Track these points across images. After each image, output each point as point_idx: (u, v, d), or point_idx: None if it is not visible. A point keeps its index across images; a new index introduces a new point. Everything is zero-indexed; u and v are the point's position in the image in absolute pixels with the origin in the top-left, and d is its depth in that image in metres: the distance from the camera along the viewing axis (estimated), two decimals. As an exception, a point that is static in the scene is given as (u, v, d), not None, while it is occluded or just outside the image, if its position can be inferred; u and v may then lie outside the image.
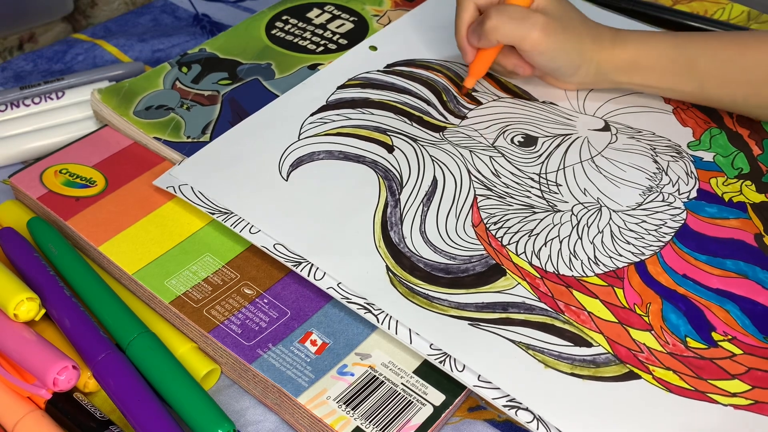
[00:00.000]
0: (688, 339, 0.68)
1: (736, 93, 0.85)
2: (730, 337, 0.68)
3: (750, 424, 0.63)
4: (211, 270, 0.73)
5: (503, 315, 0.69)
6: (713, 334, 0.68)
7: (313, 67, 0.94)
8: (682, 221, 0.77)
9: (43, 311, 0.67)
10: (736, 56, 0.83)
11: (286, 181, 0.79)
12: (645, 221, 0.77)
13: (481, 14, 0.86)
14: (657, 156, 0.84)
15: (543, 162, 0.83)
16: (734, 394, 0.65)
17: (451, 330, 0.67)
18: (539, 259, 0.73)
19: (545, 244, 0.74)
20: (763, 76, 0.83)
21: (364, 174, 0.80)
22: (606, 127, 0.87)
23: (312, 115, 0.86)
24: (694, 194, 0.80)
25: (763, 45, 0.83)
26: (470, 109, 0.88)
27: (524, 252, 0.74)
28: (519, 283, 0.71)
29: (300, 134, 0.84)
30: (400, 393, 0.65)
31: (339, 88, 0.90)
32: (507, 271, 0.72)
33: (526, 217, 0.77)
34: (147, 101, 0.88)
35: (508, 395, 0.63)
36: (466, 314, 0.69)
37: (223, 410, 0.63)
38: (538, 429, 0.62)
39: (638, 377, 0.65)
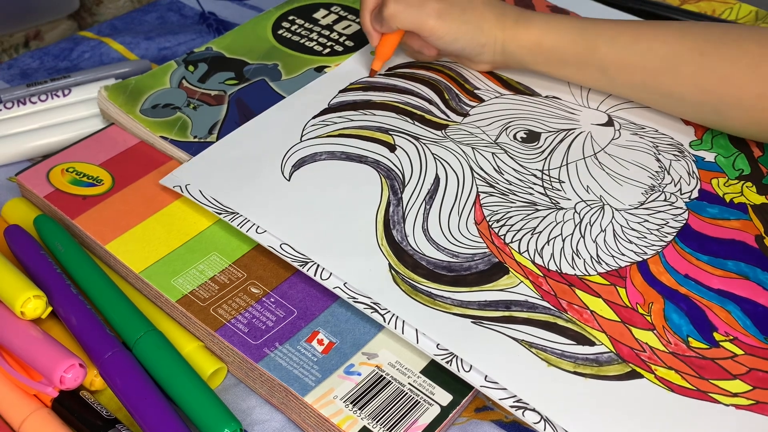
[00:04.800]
0: (690, 339, 0.68)
1: (634, 79, 0.86)
2: (731, 337, 0.69)
3: (751, 425, 0.63)
4: (217, 269, 0.73)
5: (506, 313, 0.69)
6: (715, 334, 0.69)
7: (320, 70, 0.94)
8: (684, 221, 0.78)
9: (50, 309, 0.67)
10: (632, 43, 0.84)
11: (289, 181, 0.79)
12: (647, 220, 0.77)
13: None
14: (659, 154, 0.84)
15: (546, 158, 0.83)
16: (735, 394, 0.65)
17: (453, 328, 0.68)
18: (542, 257, 0.74)
19: (548, 242, 0.75)
20: (658, 65, 0.84)
21: (366, 173, 0.80)
22: (609, 122, 0.88)
23: (314, 117, 0.86)
24: (695, 194, 0.80)
25: (658, 33, 0.84)
26: (472, 107, 0.89)
27: (527, 250, 0.74)
28: (522, 282, 0.72)
29: (302, 136, 0.84)
30: (407, 393, 0.65)
31: (341, 91, 0.90)
32: (510, 269, 0.73)
33: (529, 214, 0.77)
34: (153, 99, 0.88)
35: (516, 395, 0.64)
36: (469, 312, 0.69)
37: (230, 409, 0.64)
38: (545, 430, 0.62)
39: (640, 376, 0.65)
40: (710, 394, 0.65)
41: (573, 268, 0.73)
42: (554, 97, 0.91)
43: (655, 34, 0.84)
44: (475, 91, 0.91)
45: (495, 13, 0.87)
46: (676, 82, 0.84)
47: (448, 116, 0.87)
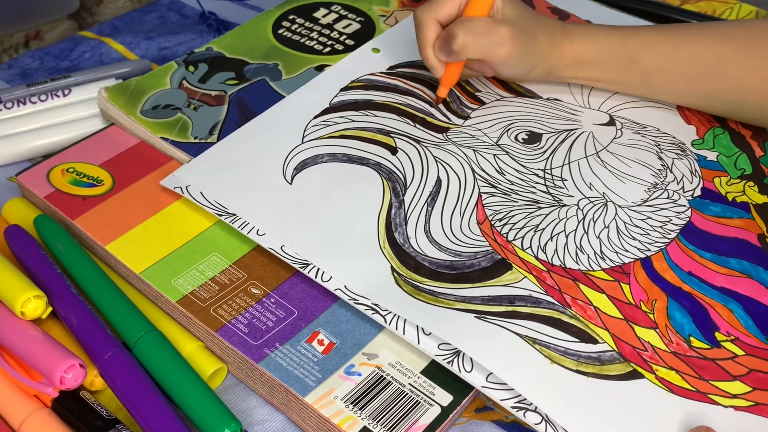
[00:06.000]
0: (691, 338, 0.68)
1: (677, 86, 0.86)
2: (732, 337, 0.68)
3: (750, 426, 0.63)
4: (218, 269, 0.73)
5: (510, 308, 0.69)
6: (716, 334, 0.69)
7: (320, 69, 0.94)
8: (687, 219, 0.78)
9: (50, 309, 0.67)
10: (674, 50, 0.84)
11: (291, 184, 0.79)
12: (650, 217, 0.77)
13: (444, 28, 0.85)
14: (662, 153, 0.84)
15: (548, 158, 0.83)
16: (735, 396, 0.65)
17: (457, 323, 0.68)
18: (545, 253, 0.73)
19: (551, 238, 0.75)
20: (701, 69, 0.84)
21: (368, 176, 0.80)
22: (611, 122, 0.87)
23: (315, 117, 0.86)
24: (698, 192, 0.80)
25: (700, 38, 0.84)
26: (473, 109, 0.89)
27: (530, 247, 0.74)
28: (525, 277, 0.72)
29: (304, 137, 0.84)
30: (407, 393, 0.65)
31: (342, 90, 0.90)
32: (513, 265, 0.72)
33: (532, 212, 0.77)
34: (154, 100, 0.88)
35: (517, 396, 0.63)
36: (473, 307, 0.69)
37: (230, 409, 0.64)
38: (546, 431, 0.62)
39: (641, 377, 0.65)
40: (709, 396, 0.65)
41: (577, 263, 0.73)
42: (555, 99, 0.90)
43: (697, 39, 0.84)
44: (476, 94, 0.91)
45: (546, 34, 0.86)
46: (720, 86, 0.84)
47: (449, 119, 0.87)
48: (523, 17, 0.84)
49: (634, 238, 0.75)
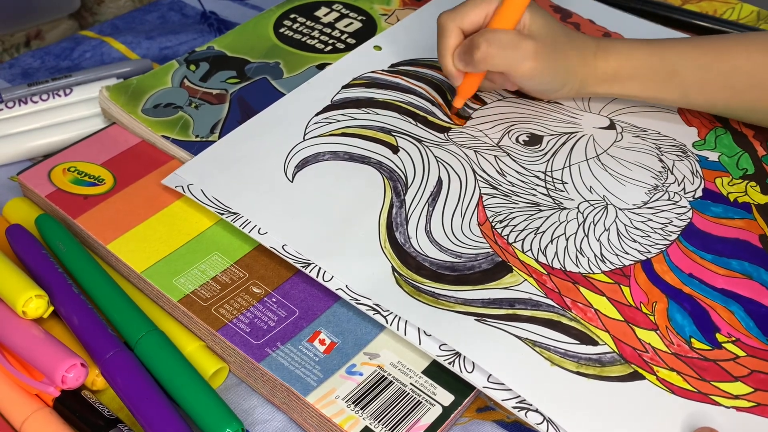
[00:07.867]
0: (692, 340, 0.68)
1: (717, 98, 0.85)
2: (734, 338, 0.68)
3: (752, 427, 0.63)
4: (219, 269, 0.73)
5: (510, 311, 0.69)
6: (717, 335, 0.69)
7: (322, 67, 0.94)
8: (688, 220, 0.78)
9: (52, 309, 0.67)
10: (715, 63, 0.83)
11: (292, 182, 0.79)
12: (651, 219, 0.77)
13: (466, 37, 0.83)
14: (662, 155, 0.84)
15: (548, 160, 0.83)
16: (737, 397, 0.65)
17: (457, 326, 0.67)
18: (545, 256, 0.73)
19: (551, 241, 0.75)
20: (743, 82, 0.83)
21: (369, 175, 0.80)
22: (611, 126, 0.87)
23: (317, 115, 0.86)
24: (699, 193, 0.80)
25: (742, 50, 0.83)
26: (475, 109, 0.88)
27: (530, 249, 0.74)
28: (525, 280, 0.71)
29: (305, 134, 0.84)
30: (408, 393, 0.65)
31: (344, 87, 0.90)
32: (513, 267, 0.72)
33: (532, 215, 0.77)
34: (155, 99, 0.88)
35: (518, 396, 0.63)
36: (473, 310, 0.69)
37: (232, 409, 0.63)
38: (548, 431, 0.62)
39: (642, 378, 0.65)
40: (711, 396, 0.65)
41: (577, 266, 0.73)
42: (556, 102, 0.90)
43: (737, 51, 0.83)
44: (478, 93, 0.90)
45: (577, 50, 0.84)
46: (763, 97, 0.83)
47: (450, 119, 0.87)
48: (552, 33, 0.82)
49: (635, 241, 0.75)
